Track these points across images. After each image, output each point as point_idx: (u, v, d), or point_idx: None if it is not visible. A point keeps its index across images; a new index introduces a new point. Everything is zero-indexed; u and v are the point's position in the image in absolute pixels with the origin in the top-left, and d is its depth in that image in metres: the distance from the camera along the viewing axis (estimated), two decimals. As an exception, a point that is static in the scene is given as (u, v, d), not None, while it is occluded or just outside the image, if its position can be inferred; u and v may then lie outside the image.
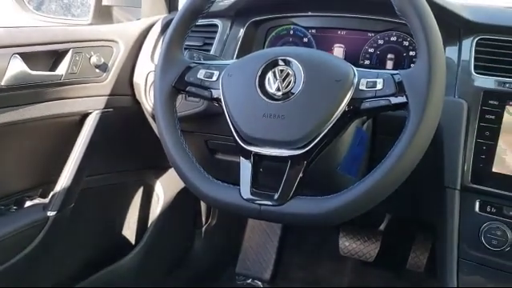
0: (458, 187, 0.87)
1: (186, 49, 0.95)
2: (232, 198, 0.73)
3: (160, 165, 1.43)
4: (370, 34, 1.06)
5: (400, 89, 0.67)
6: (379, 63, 1.06)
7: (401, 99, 0.67)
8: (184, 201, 1.50)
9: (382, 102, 0.68)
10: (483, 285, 0.88)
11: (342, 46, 1.09)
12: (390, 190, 0.66)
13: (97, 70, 1.13)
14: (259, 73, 0.75)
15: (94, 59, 1.11)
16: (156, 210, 1.45)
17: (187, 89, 0.81)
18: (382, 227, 1.62)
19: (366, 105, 0.70)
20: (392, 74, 0.69)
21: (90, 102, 1.13)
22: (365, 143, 0.92)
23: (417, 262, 1.56)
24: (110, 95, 1.16)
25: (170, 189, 1.47)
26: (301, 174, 0.70)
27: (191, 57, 0.92)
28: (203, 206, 1.66)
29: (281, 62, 0.74)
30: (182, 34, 0.84)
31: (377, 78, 0.70)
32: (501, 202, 0.86)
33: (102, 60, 1.13)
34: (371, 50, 1.06)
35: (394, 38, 1.04)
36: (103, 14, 1.31)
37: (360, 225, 1.64)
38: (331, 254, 1.67)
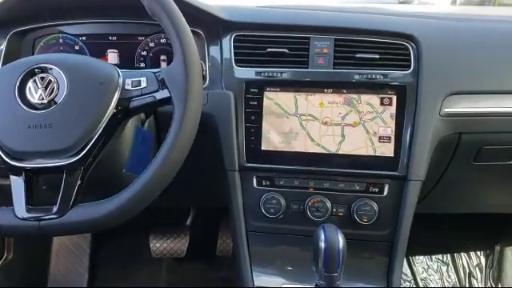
0: (237, 168, 0.97)
1: None
2: (5, 219, 0.68)
3: None
4: (140, 38, 1.09)
5: (162, 85, 0.72)
6: (154, 65, 1.10)
7: (164, 94, 0.72)
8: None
9: (149, 99, 0.73)
10: (271, 251, 1.00)
11: (115, 51, 1.10)
12: (167, 180, 0.70)
13: None
14: (18, 83, 0.71)
15: None
16: None
17: None
18: (188, 222, 1.68)
19: (134, 103, 0.73)
20: (154, 73, 0.74)
21: None
22: (149, 142, 0.95)
23: (225, 247, 1.67)
24: None
25: None
26: (79, 182, 0.70)
27: None
28: (-6, 240, 1.49)
29: (40, 70, 0.72)
30: None
31: (141, 77, 0.74)
32: (272, 174, 0.99)
33: None
34: (144, 53, 1.09)
35: (163, 40, 1.09)
36: None
37: (167, 224, 1.67)
38: (145, 258, 1.67)
